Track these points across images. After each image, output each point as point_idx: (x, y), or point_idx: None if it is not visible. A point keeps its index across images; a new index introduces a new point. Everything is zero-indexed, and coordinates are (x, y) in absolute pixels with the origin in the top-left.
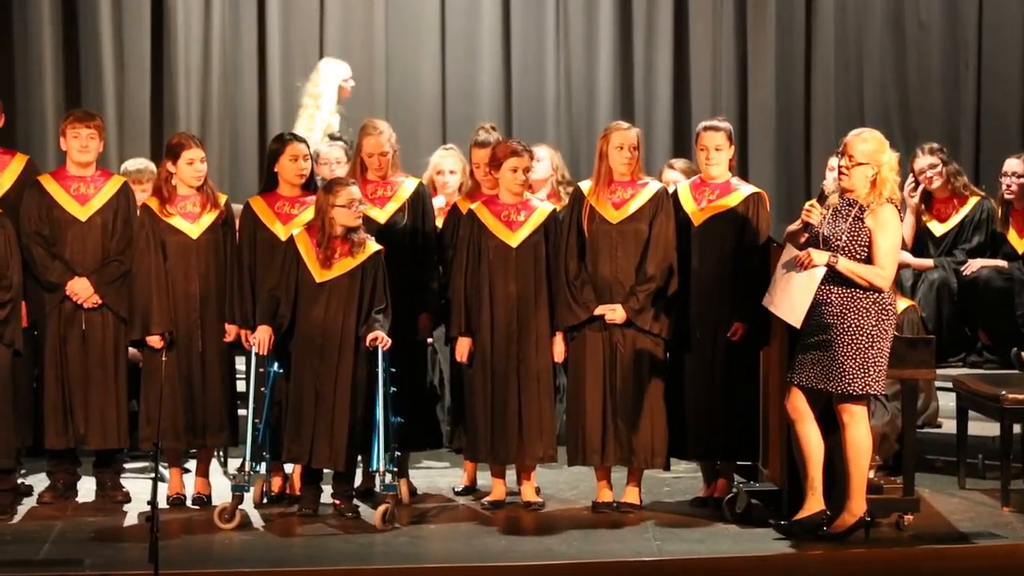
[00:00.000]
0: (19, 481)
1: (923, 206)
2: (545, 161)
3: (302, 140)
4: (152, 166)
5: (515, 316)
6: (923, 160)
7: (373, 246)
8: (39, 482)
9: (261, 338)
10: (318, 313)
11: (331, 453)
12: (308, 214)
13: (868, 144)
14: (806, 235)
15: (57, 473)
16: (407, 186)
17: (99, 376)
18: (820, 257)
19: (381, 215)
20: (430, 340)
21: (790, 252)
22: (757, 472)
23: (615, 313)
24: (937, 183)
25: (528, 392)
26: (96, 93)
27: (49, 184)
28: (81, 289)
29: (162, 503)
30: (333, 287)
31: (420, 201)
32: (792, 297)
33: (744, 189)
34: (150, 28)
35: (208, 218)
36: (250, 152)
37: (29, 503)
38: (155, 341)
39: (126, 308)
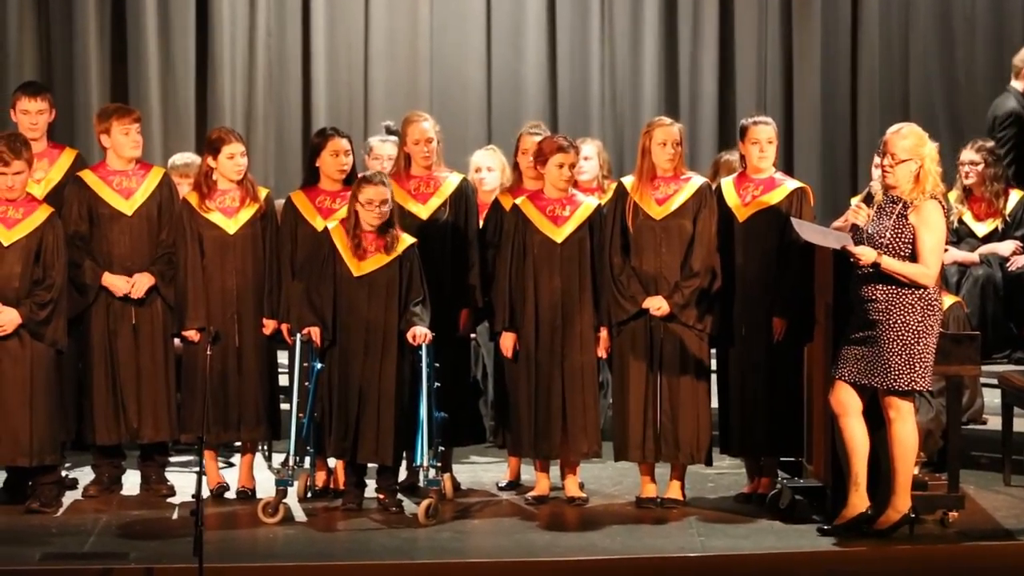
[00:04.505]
0: (64, 474)
1: (963, 195)
2: (593, 160)
3: (344, 135)
4: (198, 160)
5: (559, 311)
6: (966, 154)
7: (407, 239)
8: (84, 475)
9: (312, 331)
10: (358, 308)
11: (376, 447)
12: None
13: (908, 140)
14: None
15: (102, 466)
16: (451, 181)
17: (150, 369)
18: (867, 255)
19: (423, 211)
20: (473, 335)
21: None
22: (801, 468)
23: (660, 306)
24: (972, 179)
25: (572, 387)
26: (142, 88)
27: (91, 179)
28: (117, 285)
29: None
30: (371, 282)
31: (463, 197)
32: (820, 233)
33: (788, 184)
34: (195, 23)
35: (246, 213)
36: (294, 147)
37: (74, 496)
38: (192, 335)
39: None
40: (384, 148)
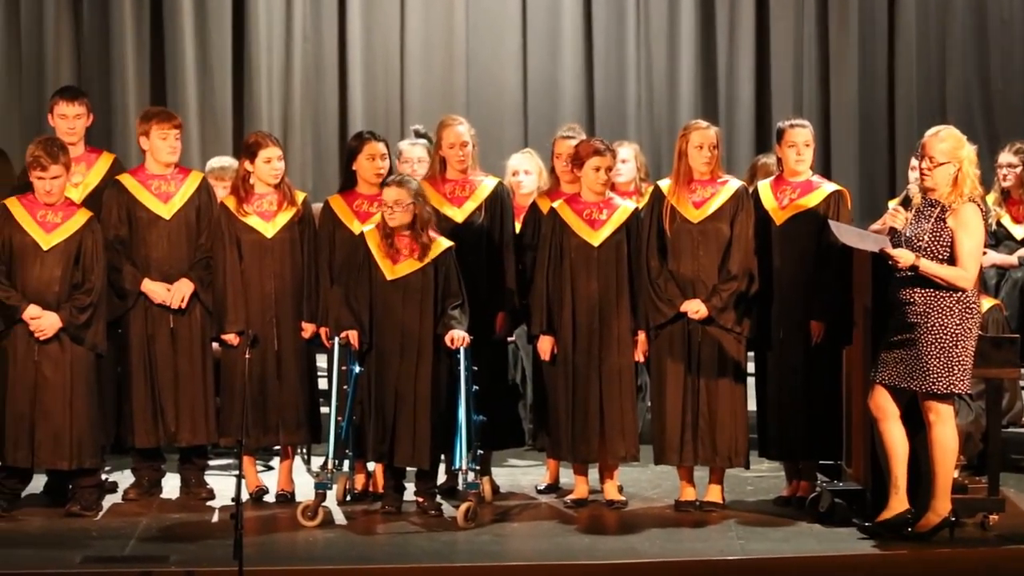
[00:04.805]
0: (104, 478)
1: (1001, 198)
2: (631, 163)
3: (380, 139)
4: (235, 164)
5: (596, 315)
6: (1004, 156)
7: (443, 243)
8: (124, 479)
9: (351, 334)
10: (393, 312)
11: (413, 451)
12: None
13: (946, 143)
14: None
15: (142, 470)
16: (486, 185)
17: (188, 373)
18: (906, 258)
19: (459, 214)
20: (511, 339)
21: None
22: (840, 471)
23: (698, 309)
24: (1010, 182)
25: (609, 391)
26: (179, 92)
27: (129, 183)
28: (157, 292)
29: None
30: (406, 285)
31: (498, 200)
32: (858, 236)
33: (826, 187)
34: (231, 28)
35: (284, 217)
36: (331, 151)
37: (114, 499)
38: (231, 339)
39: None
40: (413, 151)
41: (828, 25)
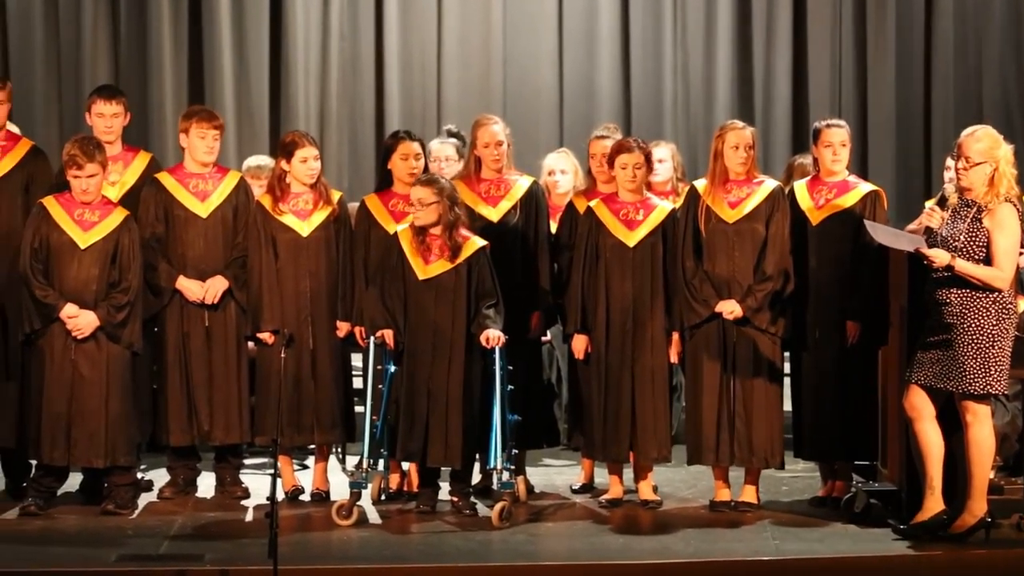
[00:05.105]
0: (139, 476)
1: None
2: (667, 163)
3: (415, 138)
4: (272, 163)
5: (630, 315)
6: None
7: (477, 242)
8: (159, 477)
9: (386, 334)
10: (425, 311)
11: (446, 451)
12: None
13: (983, 143)
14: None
15: (177, 468)
16: (521, 184)
17: (222, 372)
18: (941, 258)
19: (494, 213)
20: (545, 338)
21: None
22: (876, 472)
23: (733, 309)
24: None
25: (642, 391)
26: (216, 91)
27: (167, 181)
28: (192, 289)
29: (281, 498)
30: (438, 285)
31: (533, 200)
32: (894, 236)
33: (862, 187)
34: (269, 27)
35: (320, 216)
36: (368, 150)
37: (149, 498)
38: (266, 337)
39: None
40: (442, 150)
41: (865, 24)
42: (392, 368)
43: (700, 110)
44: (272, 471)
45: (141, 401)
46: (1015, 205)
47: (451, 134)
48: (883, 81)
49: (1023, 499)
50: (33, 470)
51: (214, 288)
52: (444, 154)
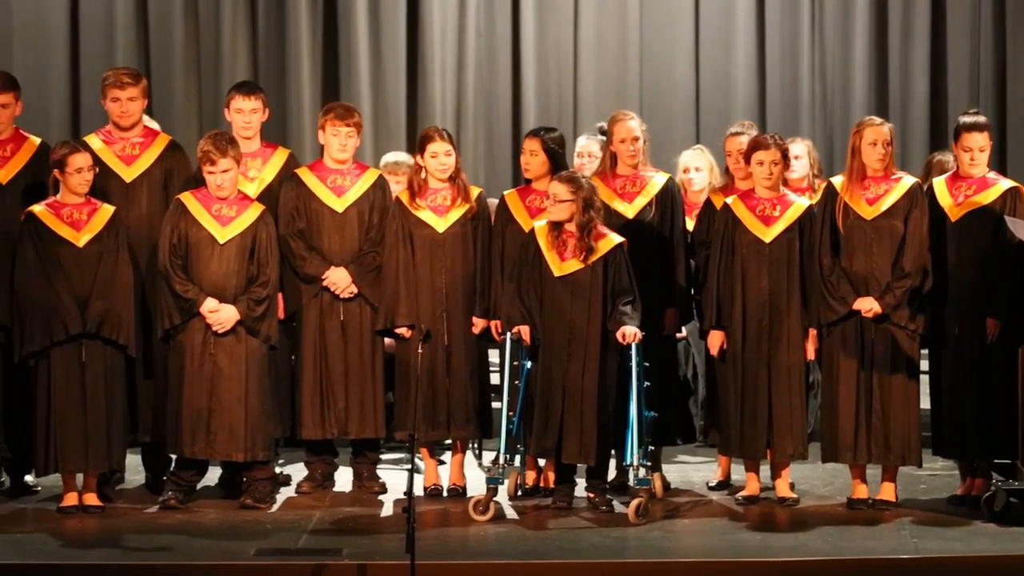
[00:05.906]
0: (277, 470)
1: None
2: (804, 159)
3: (538, 135)
4: (409, 159)
5: (767, 312)
6: None
7: (614, 239)
8: (297, 472)
9: (522, 330)
10: (561, 308)
11: (580, 448)
12: None
13: None
14: None
15: (315, 463)
16: (656, 181)
17: (358, 366)
18: None
19: (629, 210)
20: (680, 334)
21: None
22: (1016, 470)
23: (871, 307)
24: None
25: (778, 388)
26: (353, 88)
27: (307, 177)
28: (340, 279)
29: (418, 494)
30: (574, 281)
31: (669, 196)
32: None
33: (1002, 183)
34: (405, 24)
35: (457, 212)
36: (504, 146)
37: (287, 492)
38: (403, 332)
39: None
40: (587, 146)
41: (1005, 18)
42: (528, 364)
43: (837, 106)
44: (409, 466)
45: (280, 396)
46: None
47: (602, 132)
48: (1023, 75)
49: None
50: (173, 464)
51: (340, 283)
52: (588, 150)
